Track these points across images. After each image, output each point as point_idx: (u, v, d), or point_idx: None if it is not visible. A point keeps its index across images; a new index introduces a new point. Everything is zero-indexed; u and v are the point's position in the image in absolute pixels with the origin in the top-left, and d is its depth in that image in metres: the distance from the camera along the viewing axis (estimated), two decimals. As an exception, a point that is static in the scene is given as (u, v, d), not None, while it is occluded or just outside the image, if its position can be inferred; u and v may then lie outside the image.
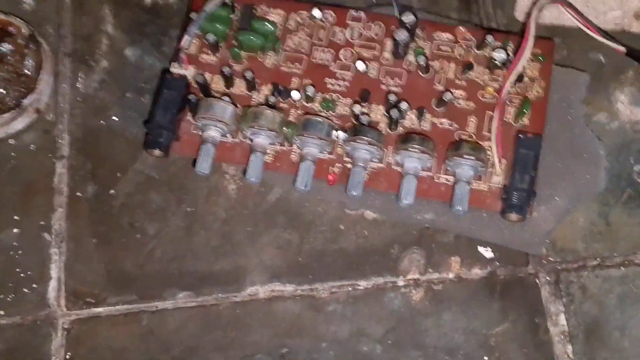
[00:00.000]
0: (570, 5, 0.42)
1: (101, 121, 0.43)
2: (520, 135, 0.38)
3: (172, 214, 0.41)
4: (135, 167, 0.42)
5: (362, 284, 0.39)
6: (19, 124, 0.42)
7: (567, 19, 0.43)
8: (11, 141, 0.43)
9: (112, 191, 0.42)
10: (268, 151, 0.40)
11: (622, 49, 0.41)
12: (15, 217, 0.41)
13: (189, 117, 0.41)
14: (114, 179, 0.42)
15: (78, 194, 0.42)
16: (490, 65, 0.40)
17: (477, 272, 0.39)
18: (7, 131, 0.42)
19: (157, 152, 0.40)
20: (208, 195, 0.41)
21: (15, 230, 0.41)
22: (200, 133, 0.40)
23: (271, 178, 0.41)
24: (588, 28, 0.41)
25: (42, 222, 0.41)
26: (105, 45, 0.45)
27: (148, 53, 0.45)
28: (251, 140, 0.40)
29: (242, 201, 0.41)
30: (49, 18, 0.45)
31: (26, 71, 0.42)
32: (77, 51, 0.45)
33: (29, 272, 0.40)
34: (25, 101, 0.42)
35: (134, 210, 0.41)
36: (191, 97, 0.40)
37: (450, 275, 0.39)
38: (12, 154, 0.42)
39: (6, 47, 0.43)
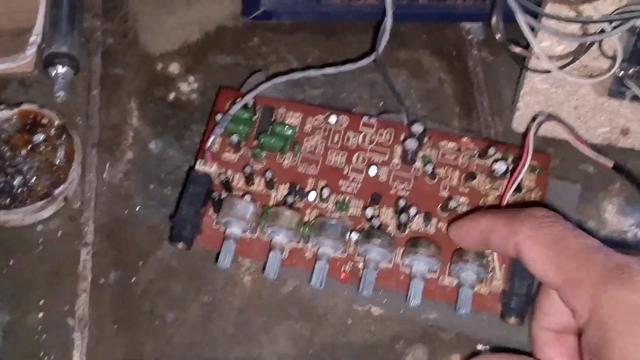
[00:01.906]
0: (563, 122, 0.46)
1: (125, 210, 0.46)
2: (519, 243, 0.42)
3: (191, 302, 0.44)
4: (156, 255, 0.45)
5: (370, 378, 0.42)
6: (48, 211, 0.45)
7: (560, 132, 0.46)
8: (39, 227, 0.45)
9: (134, 278, 0.44)
10: (285, 248, 0.43)
11: (609, 164, 0.45)
12: (41, 302, 0.43)
13: (211, 212, 0.44)
14: (136, 266, 0.44)
15: (101, 280, 0.44)
16: (492, 174, 0.44)
17: (477, 369, 0.42)
18: (36, 218, 0.45)
19: (181, 245, 0.42)
20: (225, 285, 0.44)
21: (40, 314, 0.43)
22: (221, 228, 0.43)
23: (285, 271, 0.44)
24: (579, 142, 0.45)
25: (66, 307, 0.43)
26: (131, 137, 0.48)
27: (170, 146, 0.47)
28: (270, 238, 0.43)
29: (256, 292, 0.44)
30: (79, 110, 0.48)
31: (57, 161, 0.45)
32: (104, 142, 0.47)
33: (52, 357, 0.42)
34: (57, 191, 0.44)
35: (155, 298, 0.44)
36: (215, 194, 0.43)
37: (453, 373, 0.42)
38: (40, 239, 0.45)
39: (39, 137, 0.45)
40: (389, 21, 0.44)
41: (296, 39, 0.51)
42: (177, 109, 0.49)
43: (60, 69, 0.48)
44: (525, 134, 0.45)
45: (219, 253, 0.42)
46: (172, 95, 0.49)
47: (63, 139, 0.46)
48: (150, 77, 0.49)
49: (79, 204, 0.46)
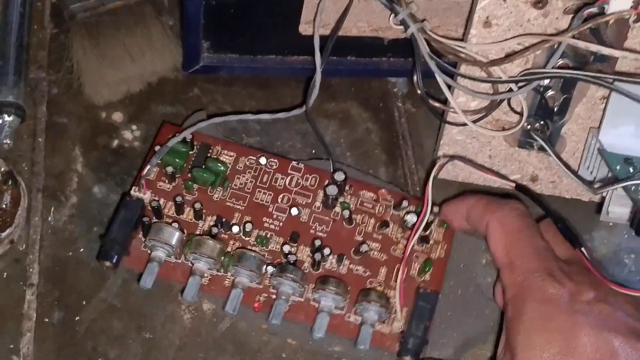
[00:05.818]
0: (465, 158, 0.49)
1: (69, 252, 0.48)
2: (420, 289, 0.46)
3: (132, 340, 0.46)
4: (99, 295, 0.47)
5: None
6: (-7, 253, 0.47)
7: (474, 178, 0.50)
8: (-16, 269, 0.48)
9: (77, 317, 0.47)
10: (205, 275, 0.46)
11: (512, 184, 0.49)
12: (-14, 341, 0.46)
13: (140, 235, 0.47)
14: (79, 306, 0.47)
15: (45, 319, 0.46)
16: (403, 225, 0.48)
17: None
18: (-19, 261, 0.47)
19: (107, 263, 0.45)
20: (165, 322, 0.47)
21: (-15, 353, 0.46)
22: (148, 251, 0.46)
23: (219, 308, 0.46)
24: (482, 171, 0.49)
25: (11, 346, 0.45)
26: (75, 182, 0.51)
27: (113, 191, 0.50)
28: (192, 264, 0.46)
29: (195, 329, 0.47)
30: (24, 156, 0.51)
31: (4, 205, 0.48)
32: (49, 187, 0.50)
33: (-3, 394, 0.45)
34: (3, 234, 0.47)
35: (97, 336, 0.46)
36: (145, 219, 0.46)
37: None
38: (-15, 281, 0.47)
39: (-15, 183, 0.48)
40: (318, 78, 0.48)
41: (233, 91, 0.54)
42: (120, 156, 0.52)
43: (7, 118, 0.50)
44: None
45: (142, 274, 0.45)
46: (115, 143, 0.52)
47: (9, 184, 0.48)
48: (94, 126, 0.52)
49: (24, 246, 0.48)
